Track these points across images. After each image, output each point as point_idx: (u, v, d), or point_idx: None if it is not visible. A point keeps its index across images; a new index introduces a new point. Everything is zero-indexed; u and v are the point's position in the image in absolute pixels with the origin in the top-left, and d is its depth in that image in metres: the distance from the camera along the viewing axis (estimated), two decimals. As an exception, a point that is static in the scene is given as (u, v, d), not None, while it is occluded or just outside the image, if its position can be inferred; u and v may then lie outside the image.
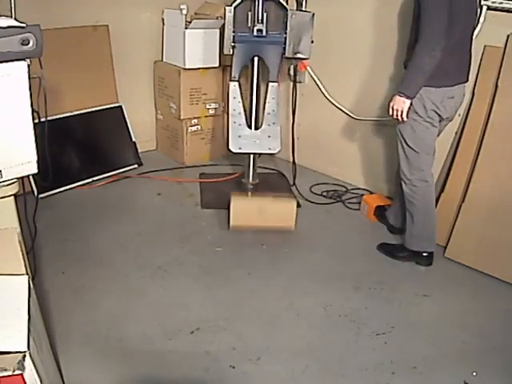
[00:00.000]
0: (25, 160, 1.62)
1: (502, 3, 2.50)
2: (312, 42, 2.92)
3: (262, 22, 2.81)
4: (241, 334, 2.08)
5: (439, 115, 2.35)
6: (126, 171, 3.56)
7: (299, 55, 2.97)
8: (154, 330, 2.08)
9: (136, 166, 3.64)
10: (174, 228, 2.88)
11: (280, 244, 2.76)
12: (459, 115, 2.65)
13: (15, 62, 1.50)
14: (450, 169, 2.80)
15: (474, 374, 1.92)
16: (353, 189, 3.46)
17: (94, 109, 3.47)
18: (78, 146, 3.39)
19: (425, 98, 2.30)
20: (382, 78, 3.10)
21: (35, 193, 2.88)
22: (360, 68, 3.26)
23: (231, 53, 2.90)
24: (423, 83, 2.24)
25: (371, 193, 3.35)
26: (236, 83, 3.02)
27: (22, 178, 1.71)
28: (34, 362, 1.18)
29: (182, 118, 3.64)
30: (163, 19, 3.65)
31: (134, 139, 3.67)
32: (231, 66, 3.00)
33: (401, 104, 2.29)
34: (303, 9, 2.99)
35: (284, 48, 2.88)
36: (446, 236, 2.71)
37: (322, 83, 3.50)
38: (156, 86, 3.84)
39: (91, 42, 3.39)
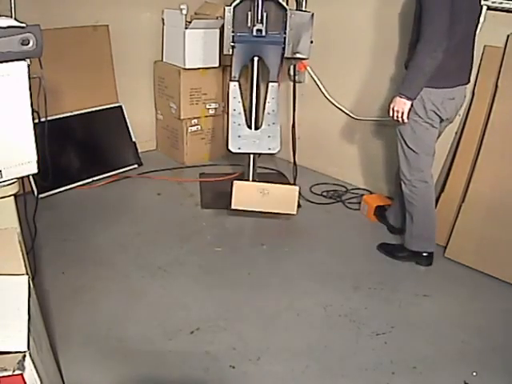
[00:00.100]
0: (25, 160, 1.62)
1: (501, 3, 2.50)
2: (312, 41, 2.93)
3: (262, 22, 2.81)
4: (241, 334, 2.08)
5: (439, 116, 2.35)
6: (126, 171, 3.56)
7: (299, 55, 2.97)
8: (153, 330, 2.08)
9: (136, 166, 3.64)
10: (174, 228, 2.88)
11: (280, 244, 2.76)
12: (459, 115, 2.65)
13: (15, 62, 1.50)
14: (449, 169, 2.80)
15: (474, 374, 1.92)
16: (353, 189, 3.46)
17: (93, 109, 3.47)
18: (77, 146, 3.39)
19: (425, 99, 2.29)
20: (382, 78, 3.10)
21: (35, 193, 2.88)
22: (360, 68, 3.26)
23: (231, 53, 2.90)
24: (424, 84, 2.23)
25: (371, 193, 3.35)
26: (236, 83, 3.02)
27: (22, 177, 1.71)
28: (34, 362, 1.18)
29: (182, 118, 3.64)
30: (163, 19, 3.65)
31: (134, 139, 3.67)
32: (231, 66, 3.00)
33: (401, 105, 2.28)
34: (303, 9, 2.99)
35: (284, 48, 2.88)
36: (446, 236, 2.71)
37: (322, 83, 3.50)
38: (156, 86, 3.84)
39: (91, 41, 3.38)
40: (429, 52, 2.14)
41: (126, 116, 3.65)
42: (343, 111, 3.42)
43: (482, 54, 2.61)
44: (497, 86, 2.56)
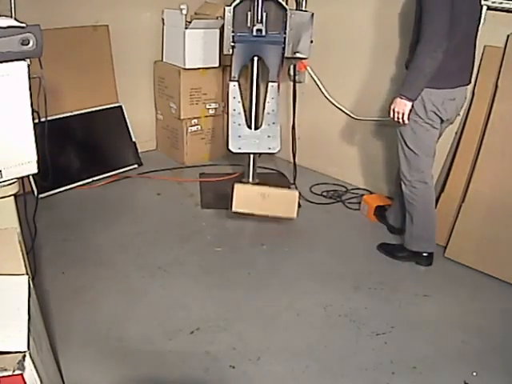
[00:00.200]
0: (25, 160, 1.62)
1: (501, 3, 2.50)
2: (312, 41, 2.92)
3: (262, 22, 2.81)
4: (241, 334, 2.08)
5: (440, 117, 2.34)
6: (126, 171, 3.56)
7: (299, 55, 2.97)
8: (153, 330, 2.08)
9: (136, 165, 3.64)
10: (174, 228, 2.88)
11: (280, 244, 2.76)
12: (459, 115, 2.65)
13: (15, 62, 1.50)
14: (450, 169, 2.79)
15: (474, 374, 1.92)
16: (353, 189, 3.46)
17: (94, 109, 3.47)
18: (78, 146, 3.39)
19: (425, 100, 2.28)
20: (383, 78, 3.10)
21: (35, 193, 2.88)
22: (360, 68, 3.26)
23: (231, 53, 2.90)
24: (425, 85, 2.22)
25: (371, 193, 3.35)
26: (236, 83, 3.03)
27: (22, 177, 1.71)
28: (34, 362, 1.18)
29: (182, 118, 3.64)
30: (163, 19, 3.65)
31: (134, 139, 3.67)
32: (231, 66, 3.00)
33: (402, 106, 2.27)
34: (303, 9, 2.99)
35: (284, 48, 2.88)
36: (446, 236, 2.71)
37: (322, 83, 3.50)
38: (156, 86, 3.84)
39: (91, 41, 3.38)
40: (429, 52, 2.14)
41: (126, 116, 3.65)
42: (343, 111, 3.42)
43: (482, 54, 2.60)
44: (497, 85, 2.56)
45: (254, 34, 2.82)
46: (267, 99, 3.04)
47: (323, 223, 3.06)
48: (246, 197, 2.66)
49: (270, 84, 3.04)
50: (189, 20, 3.50)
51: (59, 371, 1.78)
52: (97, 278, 2.37)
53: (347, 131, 3.45)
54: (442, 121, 2.38)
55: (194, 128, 3.72)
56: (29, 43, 1.49)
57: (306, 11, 2.92)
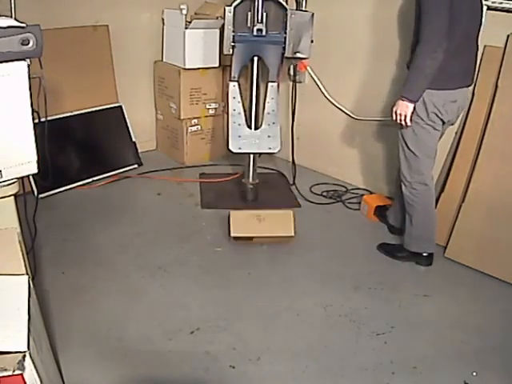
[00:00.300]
0: (25, 160, 1.62)
1: (501, 3, 2.50)
2: (312, 41, 2.92)
3: (262, 22, 2.81)
4: (241, 334, 2.08)
5: (441, 119, 2.33)
6: (126, 171, 3.56)
7: (299, 55, 2.97)
8: (153, 330, 2.08)
9: (136, 166, 3.64)
10: (174, 228, 2.88)
11: (280, 244, 2.76)
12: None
13: (15, 62, 1.50)
14: (449, 169, 2.79)
15: (474, 374, 1.92)
16: (353, 189, 3.46)
17: (94, 109, 3.47)
18: (78, 146, 3.39)
19: (427, 101, 2.27)
20: (383, 78, 3.11)
21: (35, 193, 2.88)
22: (360, 68, 3.26)
23: (231, 53, 2.90)
24: (426, 86, 2.20)
25: (371, 193, 3.35)
26: (236, 83, 3.02)
27: (22, 177, 1.71)
28: (34, 362, 1.18)
29: (182, 118, 3.64)
30: (163, 19, 3.65)
31: (134, 139, 3.67)
32: (231, 66, 3.00)
33: (404, 108, 2.26)
34: (303, 9, 2.99)
35: (284, 48, 2.88)
36: (446, 236, 2.71)
37: (322, 83, 3.50)
38: (156, 86, 3.84)
39: (91, 41, 3.38)
40: (429, 53, 2.13)
41: (126, 116, 3.65)
42: (343, 111, 3.42)
43: (482, 54, 2.60)
44: (497, 85, 2.56)
45: (255, 33, 2.82)
46: (267, 99, 3.04)
47: (323, 223, 3.06)
48: (243, 221, 2.70)
49: (269, 84, 3.04)
50: (189, 20, 3.50)
51: (59, 371, 1.78)
52: (97, 278, 2.37)
53: (347, 131, 3.45)
54: (443, 122, 2.37)
55: (194, 128, 3.72)
56: (29, 43, 1.49)
57: (306, 11, 2.92)
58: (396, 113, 2.30)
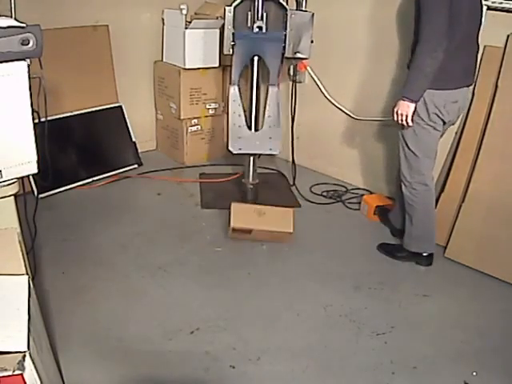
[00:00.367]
0: (25, 160, 1.62)
1: (501, 3, 2.50)
2: (312, 41, 2.92)
3: (262, 20, 2.80)
4: (241, 334, 2.08)
5: (442, 119, 2.33)
6: (126, 171, 3.56)
7: (299, 55, 2.97)
8: (153, 330, 2.08)
9: (136, 165, 3.64)
10: (174, 228, 2.88)
11: (280, 244, 2.75)
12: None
13: (15, 62, 1.50)
14: (449, 169, 2.79)
15: (474, 373, 1.92)
16: (353, 189, 3.46)
17: (94, 109, 3.47)
18: (78, 146, 3.39)
19: (427, 101, 2.26)
20: (383, 78, 3.10)
21: (35, 193, 2.88)
22: (360, 68, 3.26)
23: (231, 52, 2.89)
24: (427, 86, 2.20)
25: (371, 193, 3.35)
26: (236, 87, 3.02)
27: (22, 177, 1.71)
28: (34, 362, 1.18)
29: (182, 118, 3.64)
30: (163, 19, 3.65)
31: (134, 139, 3.67)
32: (231, 69, 3.00)
33: (405, 108, 2.25)
34: (303, 9, 2.98)
35: (284, 46, 2.87)
36: (446, 236, 2.71)
37: (322, 83, 3.50)
38: (156, 86, 3.84)
39: (91, 41, 3.38)
40: (429, 52, 2.13)
41: (126, 116, 3.65)
42: (343, 111, 3.42)
43: (482, 54, 2.60)
44: (497, 85, 2.56)
45: (255, 31, 2.82)
46: (268, 102, 3.03)
47: (323, 223, 3.06)
48: (244, 213, 2.72)
49: (270, 88, 3.03)
50: (189, 20, 3.50)
51: (59, 371, 1.78)
52: (97, 278, 2.37)
53: (347, 131, 3.45)
54: (444, 123, 2.36)
55: (194, 128, 3.72)
56: (29, 43, 1.49)
57: (306, 11, 2.91)
58: (397, 113, 2.30)
